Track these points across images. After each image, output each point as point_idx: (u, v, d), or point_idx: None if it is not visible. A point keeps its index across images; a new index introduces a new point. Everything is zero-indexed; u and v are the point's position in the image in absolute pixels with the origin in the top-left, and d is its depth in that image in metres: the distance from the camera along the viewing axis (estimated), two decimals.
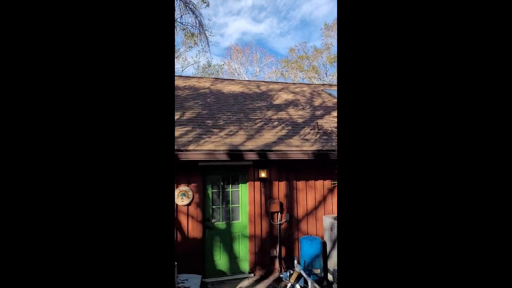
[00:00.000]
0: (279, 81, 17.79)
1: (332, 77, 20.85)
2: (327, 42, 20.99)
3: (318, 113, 6.14)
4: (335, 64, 20.76)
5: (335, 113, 6.18)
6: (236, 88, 7.40)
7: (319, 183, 4.74)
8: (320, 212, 4.72)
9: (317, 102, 6.93)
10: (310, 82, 18.17)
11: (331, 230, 4.30)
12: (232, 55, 22.15)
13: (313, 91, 7.94)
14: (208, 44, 5.72)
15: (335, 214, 4.71)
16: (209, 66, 18.92)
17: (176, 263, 2.23)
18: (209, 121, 5.10)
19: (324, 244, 4.47)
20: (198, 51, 24.21)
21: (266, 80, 12.10)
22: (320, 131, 5.14)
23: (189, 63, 18.48)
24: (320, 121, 5.58)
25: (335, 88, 8.79)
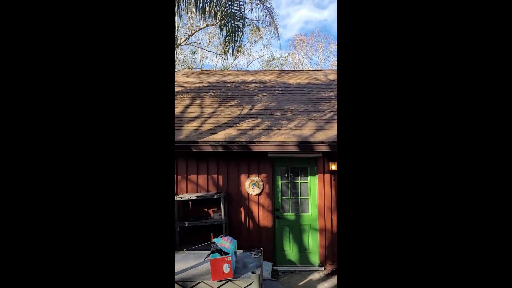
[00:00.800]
0: None
1: None
2: None
3: None
4: None
5: None
6: (302, 79, 7.25)
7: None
8: None
9: None
10: None
11: None
12: (296, 46, 21.71)
13: None
14: (278, 35, 5.71)
15: None
16: (273, 59, 19.00)
17: (261, 248, 2.34)
18: (277, 113, 5.15)
19: None
20: (263, 44, 24.47)
21: (333, 68, 11.50)
22: None
23: (254, 58, 18.90)
24: None
25: None
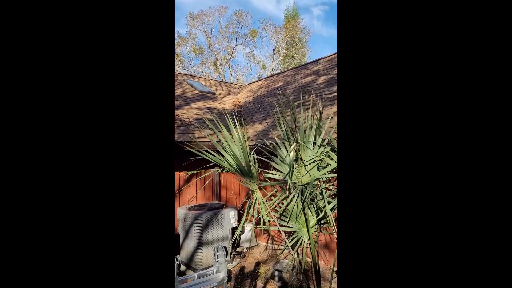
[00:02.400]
0: None
1: (196, 68, 20.28)
2: (192, 31, 19.96)
3: (177, 103, 5.84)
4: (200, 56, 20.42)
5: (195, 105, 6.05)
6: None
7: (175, 174, 4.45)
8: (175, 204, 4.46)
9: (178, 91, 6.67)
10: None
11: (184, 221, 4.10)
12: None
13: (175, 80, 7.64)
14: None
15: (190, 205, 4.46)
16: None
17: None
18: None
19: (177, 235, 4.24)
20: None
21: None
22: (178, 121, 4.84)
23: None
24: (178, 112, 5.28)
25: (198, 79, 8.66)
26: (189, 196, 4.74)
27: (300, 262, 2.79)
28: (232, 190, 5.34)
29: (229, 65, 21.11)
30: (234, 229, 4.37)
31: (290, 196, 2.35)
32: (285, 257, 4.28)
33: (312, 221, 2.50)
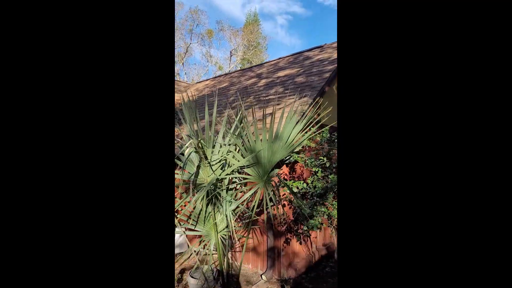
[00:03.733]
0: None
1: None
2: None
3: None
4: None
5: None
6: None
7: None
8: None
9: None
10: None
11: None
12: None
13: None
14: None
15: None
16: None
17: None
18: None
19: None
20: None
21: None
22: None
23: None
24: None
25: None
26: None
27: (215, 269, 2.66)
28: None
29: (183, 63, 20.56)
30: None
31: (194, 198, 2.22)
32: (214, 262, 4.14)
33: (223, 224, 2.40)
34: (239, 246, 4.24)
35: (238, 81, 7.03)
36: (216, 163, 2.19)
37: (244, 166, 2.11)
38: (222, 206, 2.24)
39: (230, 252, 4.58)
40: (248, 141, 2.12)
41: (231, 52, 20.73)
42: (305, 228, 3.15)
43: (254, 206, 2.20)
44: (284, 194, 3.52)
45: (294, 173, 3.67)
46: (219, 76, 9.06)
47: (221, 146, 2.24)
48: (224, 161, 2.18)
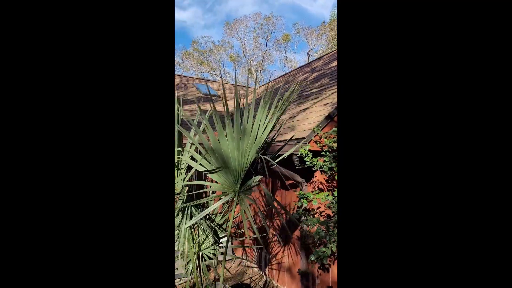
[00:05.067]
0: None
1: (229, 74, 21.11)
2: (228, 40, 20.93)
3: None
4: (234, 63, 21.16)
5: (188, 106, 5.99)
6: None
7: None
8: None
9: (179, 93, 6.63)
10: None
11: None
12: None
13: (182, 82, 7.84)
14: None
15: None
16: None
17: None
18: None
19: None
20: None
21: None
22: None
23: None
24: None
25: (210, 83, 8.74)
26: None
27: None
28: None
29: (260, 70, 21.29)
30: None
31: None
32: (250, 276, 3.77)
33: (208, 241, 2.03)
34: (275, 264, 3.73)
35: (292, 79, 6.58)
36: (182, 169, 1.84)
37: (208, 171, 1.68)
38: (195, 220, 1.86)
39: (267, 268, 4.12)
40: (208, 139, 1.69)
41: (308, 53, 20.13)
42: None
43: (228, 221, 1.74)
44: (319, 206, 2.84)
45: (314, 182, 2.92)
46: (280, 76, 8.78)
47: (190, 147, 1.88)
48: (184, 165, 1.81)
